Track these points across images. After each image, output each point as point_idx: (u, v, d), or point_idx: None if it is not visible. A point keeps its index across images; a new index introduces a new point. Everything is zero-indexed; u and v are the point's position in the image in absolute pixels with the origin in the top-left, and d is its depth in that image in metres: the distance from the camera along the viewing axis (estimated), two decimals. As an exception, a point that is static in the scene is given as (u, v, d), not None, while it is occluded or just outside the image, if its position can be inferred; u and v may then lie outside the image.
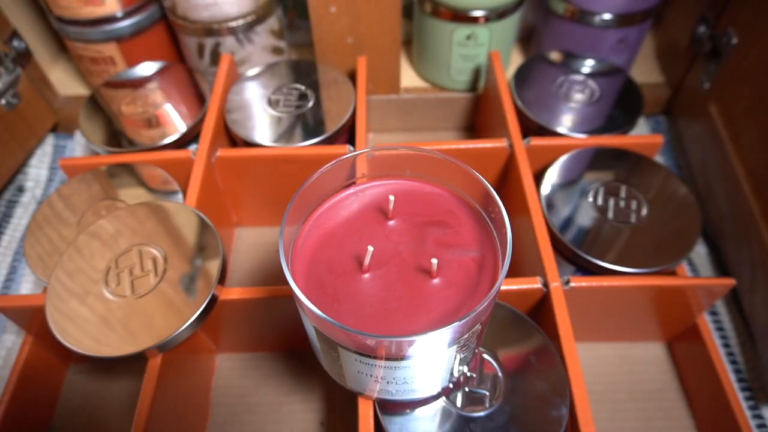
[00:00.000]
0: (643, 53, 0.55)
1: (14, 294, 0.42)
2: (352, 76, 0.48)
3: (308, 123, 0.41)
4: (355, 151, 0.30)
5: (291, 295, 0.30)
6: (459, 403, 0.28)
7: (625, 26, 0.46)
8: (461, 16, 0.45)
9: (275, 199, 0.44)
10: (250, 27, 0.46)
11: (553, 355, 0.30)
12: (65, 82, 0.55)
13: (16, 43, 0.48)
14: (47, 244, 0.36)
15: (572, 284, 0.32)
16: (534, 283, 0.32)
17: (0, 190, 0.48)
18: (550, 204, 0.37)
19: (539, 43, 0.52)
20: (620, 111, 0.43)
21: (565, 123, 0.42)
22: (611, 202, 0.37)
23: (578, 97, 0.43)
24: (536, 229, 0.34)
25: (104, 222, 0.34)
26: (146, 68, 0.47)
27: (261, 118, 0.42)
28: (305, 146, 0.40)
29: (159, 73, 0.46)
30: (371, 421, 0.27)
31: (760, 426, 0.36)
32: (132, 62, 0.48)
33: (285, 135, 0.41)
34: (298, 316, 0.33)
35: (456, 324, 0.20)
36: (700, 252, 0.44)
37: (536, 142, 0.40)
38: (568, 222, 0.36)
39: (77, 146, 0.53)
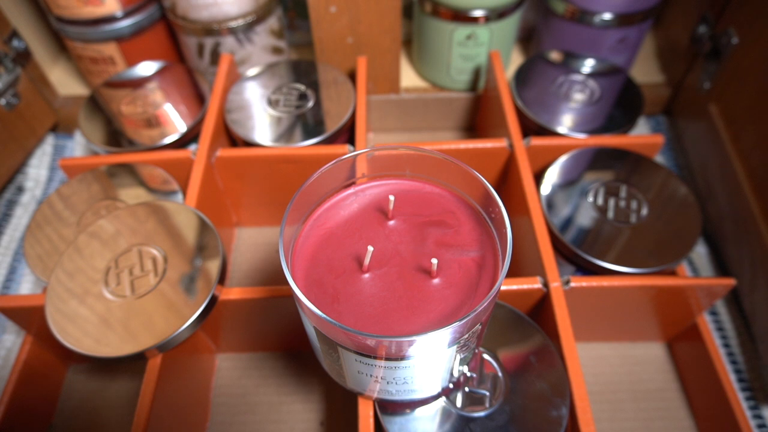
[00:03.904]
0: (643, 53, 0.55)
1: (14, 294, 0.42)
2: (352, 76, 0.48)
3: (308, 123, 0.41)
4: (355, 151, 0.30)
5: (291, 295, 0.30)
6: (459, 403, 0.28)
7: (625, 26, 0.46)
8: (461, 16, 0.45)
9: (275, 199, 0.44)
10: (250, 27, 0.46)
11: (553, 355, 0.30)
12: (65, 82, 0.55)
13: (15, 42, 0.48)
14: (47, 244, 0.36)
15: (572, 284, 0.32)
16: (534, 283, 0.32)
17: (0, 190, 0.48)
18: (550, 204, 0.37)
19: (539, 43, 0.52)
20: (620, 111, 0.43)
21: (565, 123, 0.42)
22: (611, 202, 0.37)
23: (578, 97, 0.43)
24: (536, 229, 0.34)
25: (104, 222, 0.34)
26: (146, 68, 0.47)
27: (261, 118, 0.42)
28: (305, 146, 0.40)
29: (159, 73, 0.46)
30: (371, 421, 0.27)
31: (760, 426, 0.36)
32: (132, 62, 0.48)
33: (285, 135, 0.41)
34: (298, 316, 0.34)
35: (456, 324, 0.20)
36: (700, 252, 0.44)
37: (536, 142, 0.40)
38: (568, 222, 0.36)
39: (77, 146, 0.53)
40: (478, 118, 0.53)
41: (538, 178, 0.38)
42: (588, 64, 0.46)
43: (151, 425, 0.29)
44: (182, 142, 0.42)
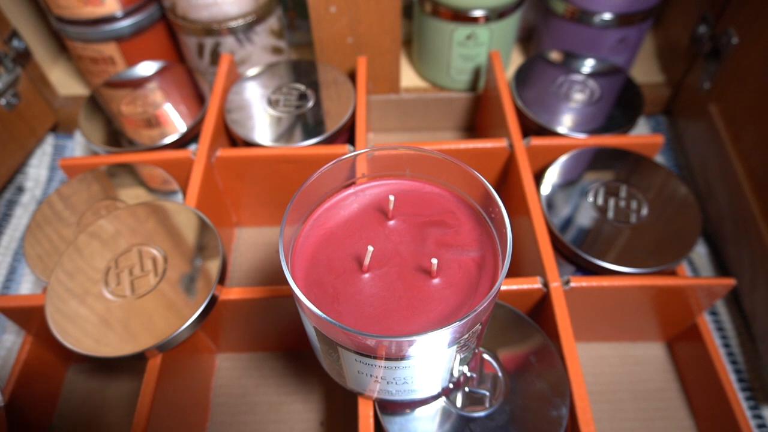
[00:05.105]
0: (643, 53, 0.55)
1: (14, 294, 0.42)
2: (352, 76, 0.48)
3: (308, 123, 0.41)
4: (355, 151, 0.30)
5: (291, 295, 0.30)
6: (459, 403, 0.28)
7: (625, 26, 0.46)
8: (461, 16, 0.45)
9: (275, 199, 0.44)
10: (250, 27, 0.46)
11: (553, 355, 0.30)
12: (65, 82, 0.55)
13: (15, 42, 0.48)
14: (47, 244, 0.36)
15: (572, 284, 0.32)
16: (534, 283, 0.32)
17: (0, 190, 0.48)
18: (550, 204, 0.37)
19: (539, 43, 0.52)
20: (620, 111, 0.43)
21: (565, 123, 0.42)
22: (611, 202, 0.37)
23: (578, 97, 0.43)
24: (536, 229, 0.34)
25: (104, 222, 0.34)
26: (146, 68, 0.47)
27: (261, 118, 0.42)
28: (305, 146, 0.40)
29: (159, 73, 0.46)
30: (371, 421, 0.27)
31: (760, 426, 0.36)
32: (132, 62, 0.48)
33: (285, 135, 0.41)
34: (298, 316, 0.34)
35: (456, 324, 0.20)
36: (700, 252, 0.44)
37: (536, 142, 0.40)
38: (568, 222, 0.36)
39: (77, 146, 0.53)
40: (478, 118, 0.53)
41: (538, 178, 0.38)
42: (588, 64, 0.46)
43: (151, 425, 0.29)
44: (182, 142, 0.42)
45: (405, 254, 0.24)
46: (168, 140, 0.41)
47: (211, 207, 0.39)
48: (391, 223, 0.25)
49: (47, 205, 0.38)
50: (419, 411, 0.28)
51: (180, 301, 0.30)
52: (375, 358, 0.22)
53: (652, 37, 0.57)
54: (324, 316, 0.20)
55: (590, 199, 0.37)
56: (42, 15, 0.53)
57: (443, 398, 0.28)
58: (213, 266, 0.32)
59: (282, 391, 0.38)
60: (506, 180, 0.42)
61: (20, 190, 0.49)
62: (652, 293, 0.34)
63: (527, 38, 0.57)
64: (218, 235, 0.33)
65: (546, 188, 0.37)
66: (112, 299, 0.30)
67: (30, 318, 0.34)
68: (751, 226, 0.38)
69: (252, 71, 0.46)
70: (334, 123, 0.41)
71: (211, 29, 0.45)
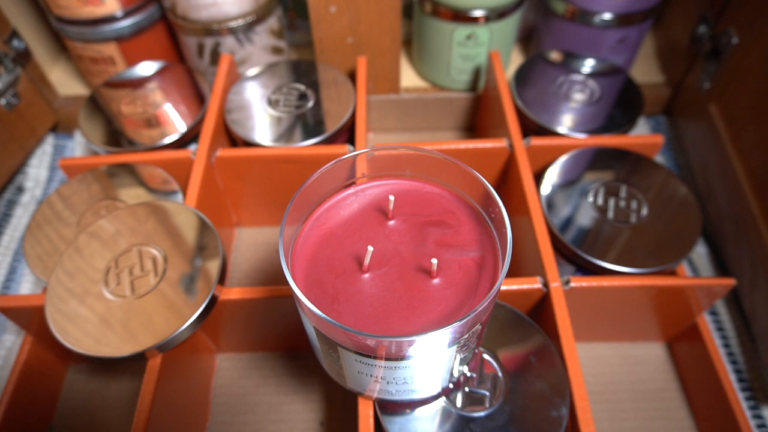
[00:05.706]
0: (643, 53, 0.55)
1: (14, 294, 0.42)
2: (352, 76, 0.48)
3: (308, 123, 0.41)
4: (355, 151, 0.30)
5: (291, 295, 0.30)
6: (459, 403, 0.28)
7: (625, 26, 0.46)
8: (461, 16, 0.45)
9: (275, 199, 0.44)
10: (250, 27, 0.46)
11: (553, 355, 0.30)
12: (65, 82, 0.55)
13: (15, 42, 0.48)
14: (47, 244, 0.36)
15: (572, 284, 0.32)
16: (534, 283, 0.32)
17: (0, 190, 0.48)
18: (550, 204, 0.37)
19: (539, 43, 0.52)
20: (620, 111, 0.43)
21: (565, 123, 0.42)
22: (611, 202, 0.37)
23: (578, 97, 0.43)
24: (536, 229, 0.34)
25: (104, 222, 0.34)
26: (146, 68, 0.47)
27: (261, 118, 0.42)
28: (305, 146, 0.40)
29: (159, 73, 0.46)
30: (371, 421, 0.27)
31: (760, 426, 0.36)
32: (132, 62, 0.48)
33: (285, 135, 0.41)
34: (298, 316, 0.34)
35: (456, 324, 0.20)
36: (700, 252, 0.44)
37: (536, 142, 0.40)
38: (568, 222, 0.36)
39: (77, 146, 0.53)
40: (478, 118, 0.53)
41: (538, 178, 0.38)
42: (588, 64, 0.46)
43: (151, 425, 0.29)
44: (182, 142, 0.42)
45: (405, 254, 0.24)
46: (168, 140, 0.41)
47: (211, 207, 0.39)
48: (391, 223, 0.25)
49: (47, 205, 0.38)
50: (419, 411, 0.28)
51: (180, 301, 0.30)
52: (375, 358, 0.22)
53: (652, 37, 0.57)
54: (324, 316, 0.20)
55: (590, 199, 0.37)
56: (42, 15, 0.53)
57: (443, 398, 0.28)
58: (213, 266, 0.32)
59: (282, 391, 0.38)
60: (506, 180, 0.42)
61: (20, 190, 0.49)
62: (652, 293, 0.34)
63: (527, 38, 0.57)
64: (218, 235, 0.33)
65: (546, 188, 0.37)
66: (112, 299, 0.30)
67: (30, 318, 0.34)
68: (751, 226, 0.38)
69: (252, 71, 0.46)
70: (334, 123, 0.41)
71: (211, 29, 0.45)
